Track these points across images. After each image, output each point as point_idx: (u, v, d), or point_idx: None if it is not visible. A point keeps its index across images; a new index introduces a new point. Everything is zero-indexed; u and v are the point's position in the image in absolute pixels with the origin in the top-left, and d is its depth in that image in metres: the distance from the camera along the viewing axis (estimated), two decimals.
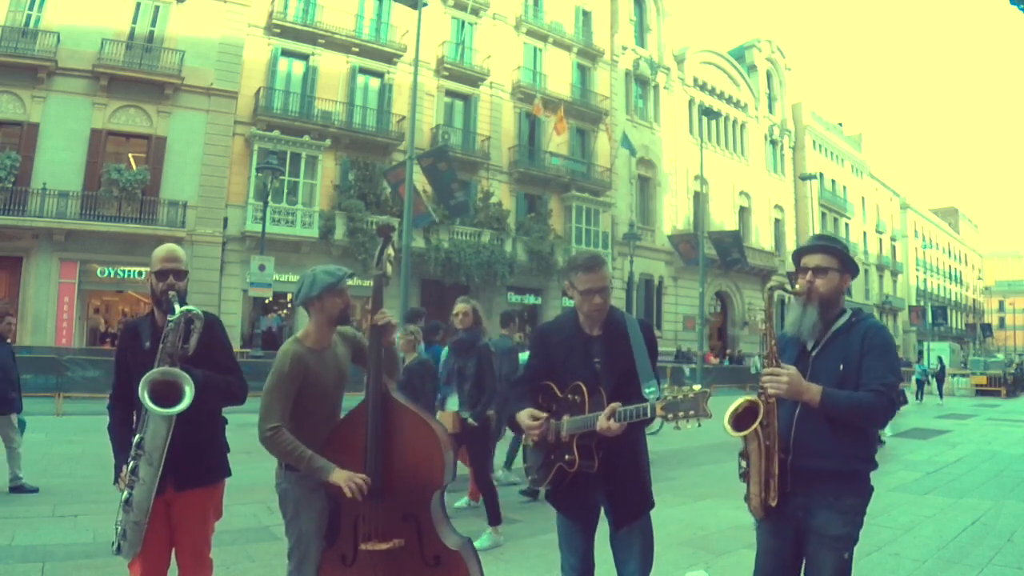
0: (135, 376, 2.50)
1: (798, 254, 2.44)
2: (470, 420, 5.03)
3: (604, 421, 2.28)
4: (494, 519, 4.82)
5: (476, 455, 5.14)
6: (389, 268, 2.74)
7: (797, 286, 2.36)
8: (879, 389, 2.17)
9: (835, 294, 2.34)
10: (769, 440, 2.23)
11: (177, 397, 2.33)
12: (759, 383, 2.27)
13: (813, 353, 2.35)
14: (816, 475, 2.23)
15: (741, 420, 2.24)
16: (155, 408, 2.28)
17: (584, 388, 2.44)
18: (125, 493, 2.38)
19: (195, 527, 2.57)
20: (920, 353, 35.97)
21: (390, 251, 2.75)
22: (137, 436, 2.37)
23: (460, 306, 5.27)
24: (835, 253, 2.36)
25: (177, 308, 2.45)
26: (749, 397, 2.26)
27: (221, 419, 2.73)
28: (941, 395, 23.87)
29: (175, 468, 2.42)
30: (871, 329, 2.30)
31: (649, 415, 2.25)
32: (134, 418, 2.56)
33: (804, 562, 2.32)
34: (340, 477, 2.43)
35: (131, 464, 2.35)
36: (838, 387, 2.20)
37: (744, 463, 2.31)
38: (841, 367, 2.25)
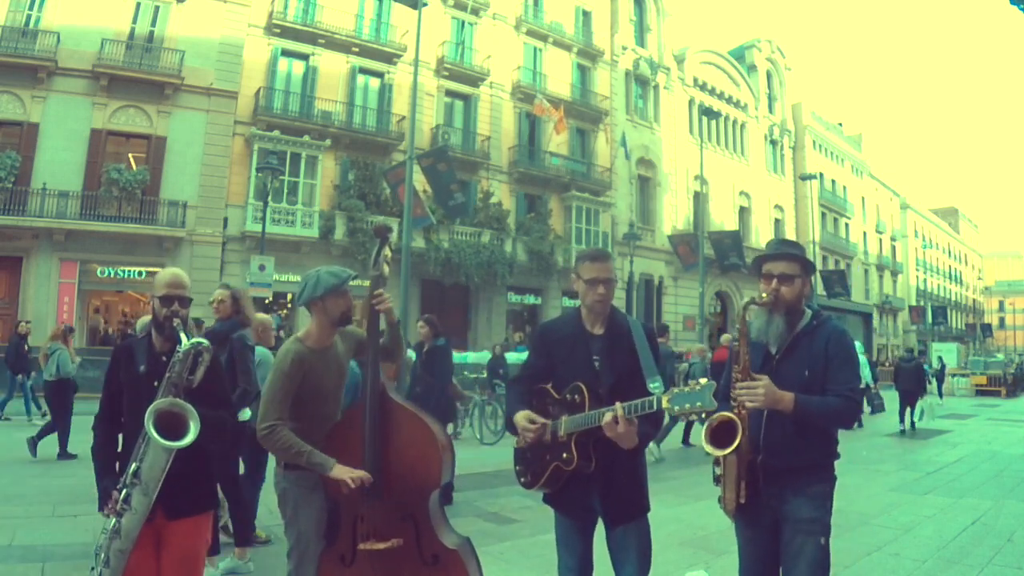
0: (125, 398, 2.49)
1: (761, 261, 2.50)
2: None
3: (611, 421, 2.23)
4: (242, 539, 4.18)
5: (222, 462, 4.40)
6: (386, 269, 2.74)
7: (764, 295, 2.40)
8: (847, 395, 2.31)
9: (798, 300, 2.43)
10: (743, 449, 2.29)
11: (179, 429, 2.30)
12: (732, 395, 2.31)
13: (777, 357, 2.43)
14: (784, 471, 2.33)
15: (718, 435, 2.28)
16: (161, 440, 2.25)
17: (584, 388, 2.43)
18: (112, 521, 2.33)
19: (185, 556, 2.50)
20: (921, 352, 35.94)
21: (387, 252, 2.75)
22: (133, 465, 2.32)
23: (218, 292, 4.46)
24: (798, 260, 2.44)
25: (184, 339, 2.43)
26: (723, 413, 2.29)
27: (211, 451, 2.71)
28: (941, 395, 23.87)
29: (166, 496, 2.37)
30: (834, 334, 2.40)
31: (655, 408, 2.24)
32: (119, 439, 2.53)
33: (781, 554, 2.38)
34: (341, 472, 2.43)
35: (124, 492, 2.30)
36: (803, 391, 2.28)
37: (718, 469, 2.37)
38: (806, 372, 2.34)
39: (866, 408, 13.88)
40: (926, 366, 22.64)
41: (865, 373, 13.62)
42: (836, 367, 2.33)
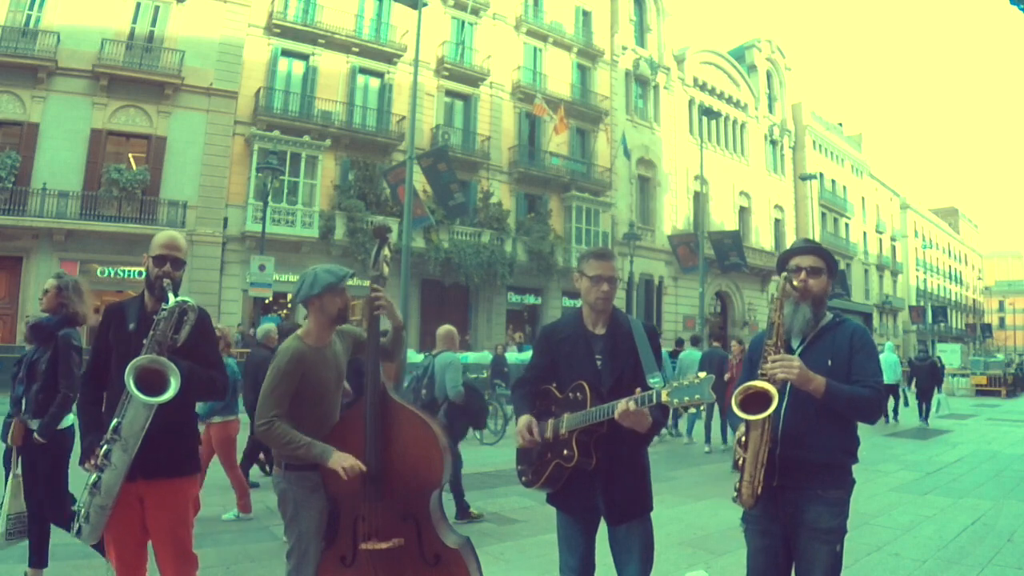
0: (113, 356, 2.50)
1: (788, 255, 2.52)
2: (36, 435, 3.55)
3: (624, 410, 2.27)
4: (39, 560, 3.74)
5: (47, 478, 3.66)
6: (385, 269, 2.75)
7: (795, 282, 2.41)
8: (874, 386, 2.30)
9: (824, 294, 2.46)
10: (769, 427, 2.27)
11: (161, 386, 2.31)
12: (762, 369, 2.29)
13: (799, 350, 2.43)
14: (802, 467, 2.29)
15: (747, 404, 2.24)
16: (140, 395, 2.26)
17: (586, 386, 2.45)
18: (94, 476, 2.35)
19: (172, 520, 2.52)
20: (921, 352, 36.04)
21: (386, 252, 2.76)
22: (114, 420, 2.33)
23: (48, 282, 3.88)
24: (825, 256, 2.49)
25: (171, 298, 2.44)
26: (759, 383, 2.25)
27: (195, 413, 2.73)
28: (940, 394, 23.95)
29: (146, 457, 2.38)
30: (858, 330, 2.44)
31: (655, 401, 2.27)
32: (104, 398, 2.56)
33: (795, 558, 2.35)
34: (336, 461, 2.44)
35: (104, 448, 2.33)
36: None
37: (742, 451, 2.32)
38: (829, 363, 2.34)
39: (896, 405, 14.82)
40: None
41: (898, 373, 14.53)
42: (862, 360, 2.35)
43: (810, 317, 2.42)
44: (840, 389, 2.24)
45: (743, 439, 2.30)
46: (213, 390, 2.66)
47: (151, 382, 2.31)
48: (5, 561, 4.12)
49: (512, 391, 2.90)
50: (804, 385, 2.23)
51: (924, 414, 14.00)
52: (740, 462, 2.32)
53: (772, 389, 2.19)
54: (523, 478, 2.65)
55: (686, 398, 2.22)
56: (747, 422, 2.23)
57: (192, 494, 2.66)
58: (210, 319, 2.72)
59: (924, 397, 14.30)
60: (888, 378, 13.52)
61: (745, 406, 2.23)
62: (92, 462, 2.36)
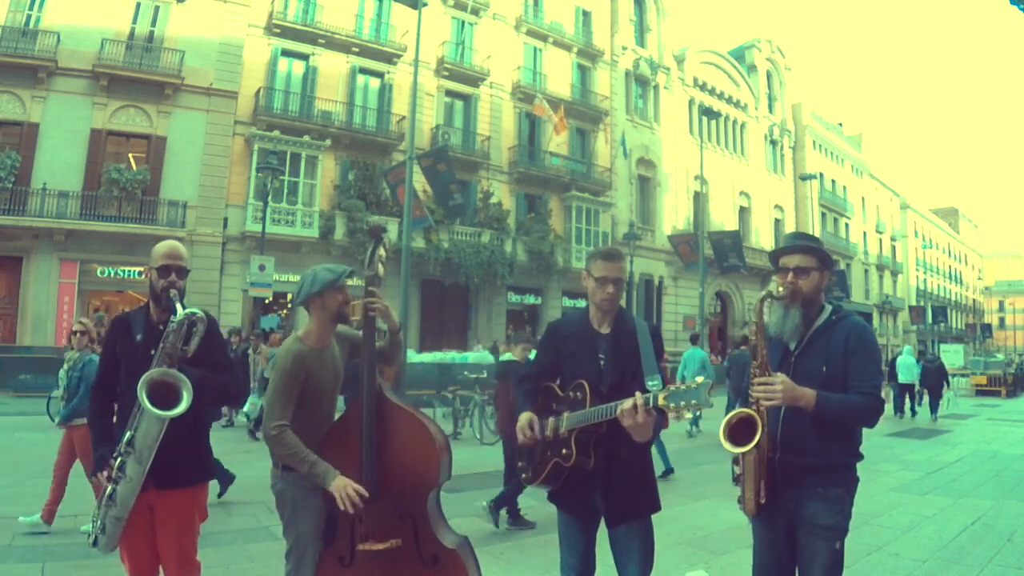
0: (122, 367, 2.53)
1: (778, 254, 2.48)
2: None
3: (630, 408, 2.23)
4: None
5: None
6: (381, 269, 2.73)
7: (780, 288, 2.37)
8: (870, 391, 2.24)
9: (816, 293, 2.39)
10: (763, 447, 2.25)
11: (173, 398, 2.32)
12: (750, 393, 2.28)
13: (796, 353, 2.39)
14: (801, 470, 2.28)
15: (736, 431, 2.24)
16: (153, 409, 2.27)
17: (587, 385, 2.45)
18: (109, 488, 2.37)
19: (178, 528, 2.54)
20: (922, 352, 36.12)
21: (381, 252, 2.75)
22: (128, 433, 2.35)
23: None
24: (814, 252, 2.40)
25: (179, 309, 2.45)
26: (743, 410, 2.26)
27: (206, 422, 2.73)
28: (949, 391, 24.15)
29: (158, 467, 2.40)
30: (855, 329, 2.34)
31: (652, 404, 2.25)
32: (115, 407, 2.58)
33: (797, 555, 2.35)
34: (339, 487, 2.42)
35: (118, 460, 2.35)
36: (822, 388, 2.23)
37: (738, 468, 2.33)
38: (824, 368, 2.29)
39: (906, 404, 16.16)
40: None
41: (915, 373, 15.67)
42: (858, 363, 2.27)
43: (799, 322, 2.37)
44: (831, 402, 2.20)
45: (738, 458, 2.30)
46: (227, 395, 2.66)
47: (163, 394, 2.32)
48: (5, 561, 4.12)
49: (515, 387, 2.90)
50: (793, 403, 2.20)
51: (934, 410, 15.46)
52: (739, 477, 2.32)
53: (756, 416, 2.19)
54: (523, 475, 2.65)
55: (683, 403, 2.19)
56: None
57: (200, 503, 2.67)
58: (218, 325, 2.73)
59: (933, 394, 15.78)
60: (905, 377, 15.29)
61: (734, 436, 2.22)
62: (106, 474, 2.38)
